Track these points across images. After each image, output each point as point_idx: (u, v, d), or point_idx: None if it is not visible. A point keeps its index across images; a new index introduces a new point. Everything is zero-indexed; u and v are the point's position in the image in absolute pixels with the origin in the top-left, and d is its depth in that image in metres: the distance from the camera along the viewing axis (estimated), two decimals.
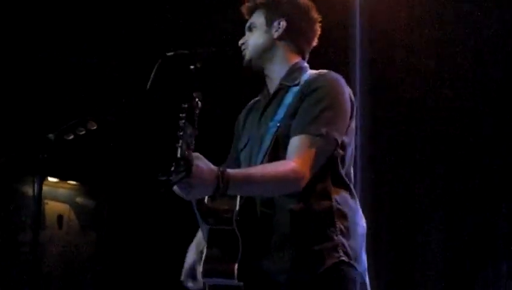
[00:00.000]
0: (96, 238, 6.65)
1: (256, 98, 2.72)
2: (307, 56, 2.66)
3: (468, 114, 5.14)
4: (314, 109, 2.33)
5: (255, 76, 2.64)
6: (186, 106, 2.00)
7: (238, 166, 2.60)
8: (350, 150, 2.46)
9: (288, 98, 2.45)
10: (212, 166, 2.04)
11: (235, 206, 2.24)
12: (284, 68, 2.56)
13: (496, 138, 5.11)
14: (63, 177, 6.42)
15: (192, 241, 2.73)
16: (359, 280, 2.36)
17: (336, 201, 2.36)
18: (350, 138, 2.45)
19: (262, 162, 2.37)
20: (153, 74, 2.44)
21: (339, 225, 2.34)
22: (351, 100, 2.45)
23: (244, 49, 2.59)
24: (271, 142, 2.38)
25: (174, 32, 5.09)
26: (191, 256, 2.65)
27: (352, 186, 2.47)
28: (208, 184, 2.02)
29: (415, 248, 5.39)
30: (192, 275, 2.61)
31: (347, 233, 2.35)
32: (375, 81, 5.19)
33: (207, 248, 2.31)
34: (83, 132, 2.42)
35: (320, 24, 2.65)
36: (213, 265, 2.27)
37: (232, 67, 2.64)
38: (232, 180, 2.06)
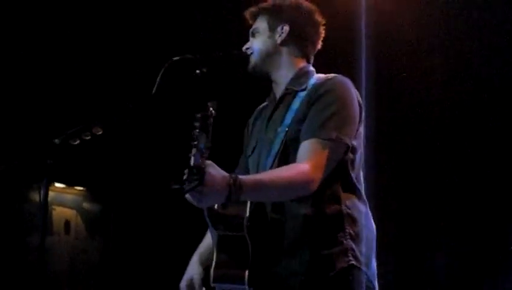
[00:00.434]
0: (103, 244, 6.65)
1: (263, 104, 2.73)
2: (312, 59, 2.66)
3: (476, 115, 5.13)
4: (323, 114, 2.33)
5: (261, 81, 2.64)
6: (200, 115, 2.00)
7: (247, 172, 2.60)
8: (359, 154, 2.46)
9: (296, 103, 2.45)
10: (225, 173, 2.05)
11: (245, 212, 2.24)
12: (290, 73, 2.57)
13: (505, 139, 5.09)
14: (69, 183, 6.43)
15: (198, 245, 2.73)
16: (368, 284, 2.37)
17: (346, 205, 2.37)
18: (359, 141, 2.45)
19: (271, 167, 2.38)
20: (159, 78, 2.44)
21: (349, 229, 2.35)
22: (359, 104, 2.45)
23: (248, 55, 2.59)
24: (280, 147, 2.39)
25: (180, 37, 5.10)
26: (191, 268, 2.66)
27: (362, 191, 2.47)
28: (220, 192, 2.02)
29: (421, 257, 5.37)
30: (190, 287, 2.61)
31: (357, 238, 2.35)
32: (381, 82, 5.18)
33: (217, 253, 2.31)
34: (89, 137, 2.41)
35: (324, 27, 2.65)
36: (224, 271, 2.28)
37: (238, 72, 2.64)
38: (244, 186, 2.06)
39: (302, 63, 2.60)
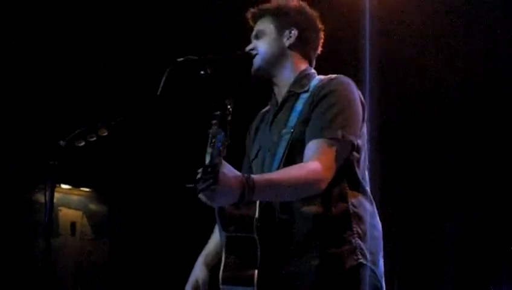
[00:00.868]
0: (109, 245, 6.66)
1: (265, 109, 2.74)
2: (314, 63, 2.68)
3: (480, 116, 5.12)
4: (328, 113, 2.34)
5: (262, 84, 2.64)
6: (218, 112, 2.01)
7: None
8: (364, 153, 2.47)
9: (299, 105, 2.46)
10: (238, 173, 2.05)
11: (255, 213, 2.24)
12: (292, 76, 2.57)
13: (509, 140, 5.09)
14: (75, 184, 6.44)
15: (204, 247, 2.74)
16: (376, 283, 2.37)
17: (352, 204, 2.38)
18: (363, 141, 2.46)
19: (278, 168, 2.37)
20: (163, 79, 2.44)
21: (356, 228, 2.36)
22: (362, 104, 2.46)
23: (253, 56, 2.58)
24: (286, 149, 2.39)
25: (184, 38, 5.10)
26: (196, 270, 2.67)
27: (368, 190, 2.48)
28: (234, 191, 2.02)
29: (427, 253, 5.36)
30: (196, 289, 2.63)
31: (364, 236, 2.36)
32: (385, 83, 5.18)
33: (225, 255, 2.30)
34: (94, 139, 2.41)
35: (323, 33, 2.67)
36: (232, 273, 2.27)
37: (242, 74, 2.64)
38: (257, 186, 2.06)
39: (305, 66, 2.61)
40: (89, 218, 6.63)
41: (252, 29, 2.70)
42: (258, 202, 2.25)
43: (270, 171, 2.40)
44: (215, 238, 2.70)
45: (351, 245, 2.33)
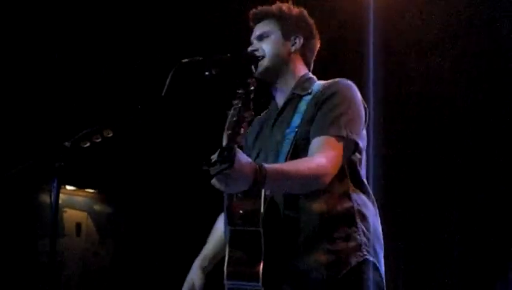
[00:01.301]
0: (114, 246, 6.66)
1: (261, 116, 2.76)
2: (311, 68, 2.72)
3: (485, 117, 5.11)
4: (332, 113, 2.39)
5: (263, 87, 2.66)
6: (241, 91, 2.03)
7: None
8: (364, 156, 2.52)
9: (302, 106, 2.49)
10: (250, 160, 2.06)
11: (260, 207, 2.25)
12: (293, 80, 2.62)
13: None
14: (80, 186, 6.45)
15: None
16: (380, 281, 2.40)
17: (357, 203, 2.42)
18: (364, 143, 2.51)
19: None
20: (168, 80, 2.44)
21: (361, 225, 2.40)
22: (364, 107, 2.52)
23: (258, 58, 2.59)
24: (290, 147, 2.41)
25: (189, 39, 5.10)
26: (192, 273, 2.67)
27: (370, 191, 2.51)
28: (247, 178, 2.02)
29: (430, 252, 5.36)
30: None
31: (368, 234, 2.41)
32: (389, 83, 5.18)
33: (229, 250, 2.30)
34: (99, 140, 2.41)
35: (322, 39, 2.74)
36: (236, 268, 2.27)
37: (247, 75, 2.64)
38: (269, 175, 2.07)
39: (305, 71, 2.66)
40: (94, 219, 6.63)
41: (250, 30, 2.71)
42: (262, 197, 2.26)
43: None
44: (214, 241, 2.72)
45: (357, 242, 2.37)
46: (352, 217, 2.39)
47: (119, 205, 6.71)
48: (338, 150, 2.33)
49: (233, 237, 2.29)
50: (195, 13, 5.13)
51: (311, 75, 2.67)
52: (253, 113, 2.04)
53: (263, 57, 2.59)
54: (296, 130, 2.43)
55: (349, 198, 2.41)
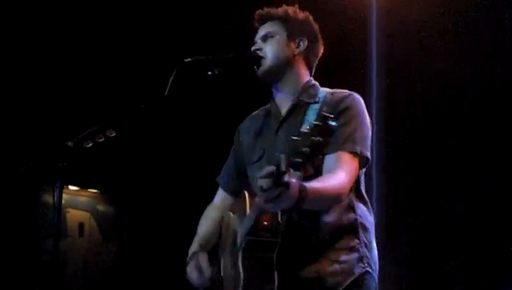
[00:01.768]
0: (117, 246, 6.66)
1: (256, 112, 2.79)
2: (313, 73, 2.74)
3: (491, 118, 5.09)
4: (347, 129, 2.42)
5: (261, 87, 2.67)
6: (319, 123, 1.87)
7: (246, 178, 2.70)
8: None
9: (311, 115, 2.50)
10: (296, 180, 2.05)
11: (281, 218, 2.28)
12: (298, 84, 2.63)
13: None
14: (83, 186, 6.45)
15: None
16: None
17: (359, 215, 2.49)
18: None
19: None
20: (171, 80, 2.44)
21: (363, 237, 2.47)
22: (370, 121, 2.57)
23: (260, 57, 2.60)
24: None
25: (192, 39, 5.10)
26: (192, 255, 2.74)
27: (368, 200, 2.59)
28: (294, 199, 2.04)
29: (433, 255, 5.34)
30: (197, 267, 2.66)
31: (370, 245, 2.49)
32: (392, 85, 5.17)
33: (243, 256, 2.34)
34: (102, 140, 2.41)
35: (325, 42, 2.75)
36: (251, 278, 2.31)
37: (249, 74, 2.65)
38: (308, 195, 2.09)
39: (308, 76, 2.68)
40: (97, 219, 6.63)
41: (254, 30, 2.71)
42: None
43: None
44: (204, 228, 2.86)
45: (359, 254, 2.44)
46: (355, 230, 2.46)
47: (122, 205, 6.70)
48: (354, 166, 2.39)
49: (250, 246, 2.32)
50: (198, 13, 5.13)
51: (314, 81, 2.68)
52: (321, 157, 1.96)
53: (266, 56, 2.60)
54: None
55: (353, 210, 2.48)
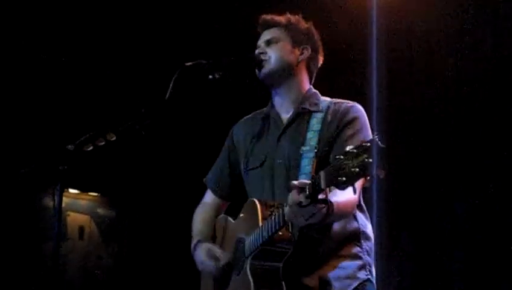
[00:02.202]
0: (117, 249, 6.66)
1: (250, 115, 2.80)
2: (312, 82, 2.76)
3: (491, 118, 5.08)
4: (355, 139, 2.43)
5: (261, 90, 2.68)
6: (369, 161, 1.84)
7: (242, 183, 2.71)
8: None
9: (316, 124, 2.54)
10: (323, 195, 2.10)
11: (290, 228, 2.31)
12: (299, 92, 2.65)
13: None
14: (83, 189, 6.45)
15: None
16: None
17: (361, 224, 2.53)
18: None
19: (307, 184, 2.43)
20: (172, 83, 2.44)
21: (365, 246, 2.51)
22: None
23: (263, 60, 2.60)
24: (312, 167, 2.45)
25: (193, 42, 5.10)
26: (204, 246, 2.74)
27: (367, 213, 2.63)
28: (323, 215, 2.11)
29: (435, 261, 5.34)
30: (213, 257, 2.66)
31: (371, 253, 2.54)
32: (392, 85, 5.17)
33: (251, 262, 2.38)
34: (102, 143, 2.42)
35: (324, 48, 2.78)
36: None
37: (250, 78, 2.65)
38: (334, 211, 2.15)
39: (308, 85, 2.70)
40: (97, 222, 6.63)
41: (257, 35, 2.72)
42: None
43: (286, 183, 2.42)
44: (199, 223, 2.88)
45: (362, 261, 2.48)
46: (358, 238, 2.50)
47: (122, 208, 6.70)
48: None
49: (262, 254, 2.36)
50: (199, 17, 5.13)
51: (314, 89, 2.71)
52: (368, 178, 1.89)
53: (270, 59, 2.62)
54: (316, 150, 2.47)
55: (356, 218, 2.51)
